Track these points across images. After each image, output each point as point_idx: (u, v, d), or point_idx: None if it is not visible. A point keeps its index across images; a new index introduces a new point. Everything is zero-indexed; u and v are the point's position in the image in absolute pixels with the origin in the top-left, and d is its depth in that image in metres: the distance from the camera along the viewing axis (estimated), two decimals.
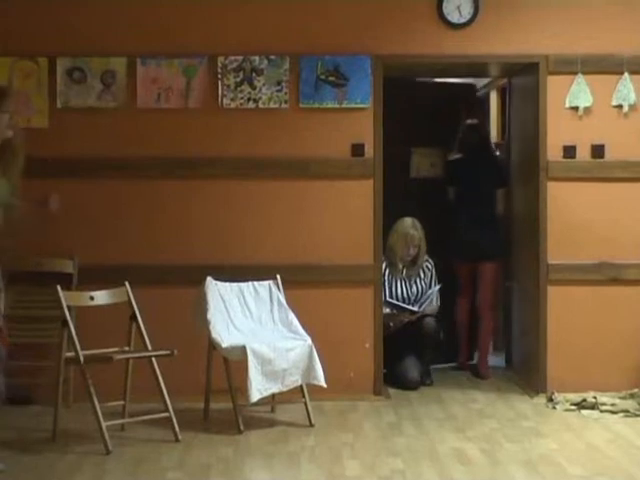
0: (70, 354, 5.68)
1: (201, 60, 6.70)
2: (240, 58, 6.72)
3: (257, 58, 6.72)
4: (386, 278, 7.35)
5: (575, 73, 6.77)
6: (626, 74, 6.78)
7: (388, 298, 7.31)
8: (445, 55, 6.83)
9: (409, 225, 7.44)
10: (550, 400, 6.65)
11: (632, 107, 6.81)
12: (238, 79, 6.70)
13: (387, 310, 7.23)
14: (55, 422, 5.73)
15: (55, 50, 6.67)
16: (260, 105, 6.73)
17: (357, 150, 6.79)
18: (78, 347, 5.61)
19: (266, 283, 6.41)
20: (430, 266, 7.55)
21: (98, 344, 5.80)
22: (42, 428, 5.90)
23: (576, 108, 6.81)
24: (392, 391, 7.05)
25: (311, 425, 6.09)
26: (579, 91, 6.78)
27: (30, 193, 6.58)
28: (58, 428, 5.74)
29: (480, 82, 8.55)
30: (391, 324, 7.25)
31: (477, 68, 7.19)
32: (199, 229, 6.74)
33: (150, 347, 5.90)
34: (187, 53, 6.69)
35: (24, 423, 6.14)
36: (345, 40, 6.75)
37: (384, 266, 7.25)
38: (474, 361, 7.84)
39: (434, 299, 7.46)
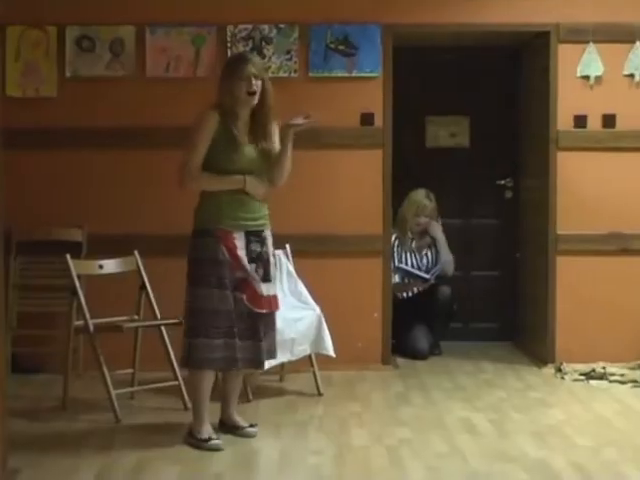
0: (79, 323, 5.70)
1: (210, 29, 6.68)
2: (249, 27, 6.69)
3: (266, 27, 6.70)
4: (395, 249, 7.34)
5: (586, 42, 6.73)
6: (638, 43, 6.73)
7: (399, 264, 7.30)
8: (455, 24, 6.79)
9: (422, 195, 7.44)
10: (559, 370, 6.65)
11: None
12: (247, 48, 6.67)
13: (397, 279, 7.22)
14: (65, 391, 5.76)
15: (64, 19, 6.65)
16: (269, 74, 6.69)
17: (366, 119, 6.77)
18: (88, 316, 5.62)
19: (275, 253, 6.39)
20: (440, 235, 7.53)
21: (107, 313, 5.79)
22: (52, 397, 5.94)
23: (587, 77, 6.77)
24: (400, 361, 7.06)
25: (319, 394, 6.11)
26: (590, 60, 6.74)
27: (38, 164, 6.67)
28: (68, 397, 5.77)
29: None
30: (403, 294, 7.26)
31: (487, 37, 7.14)
32: None
33: (159, 316, 5.92)
34: (196, 22, 6.67)
35: (34, 392, 6.17)
36: (355, 9, 6.71)
37: (393, 237, 7.23)
38: None
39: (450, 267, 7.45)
